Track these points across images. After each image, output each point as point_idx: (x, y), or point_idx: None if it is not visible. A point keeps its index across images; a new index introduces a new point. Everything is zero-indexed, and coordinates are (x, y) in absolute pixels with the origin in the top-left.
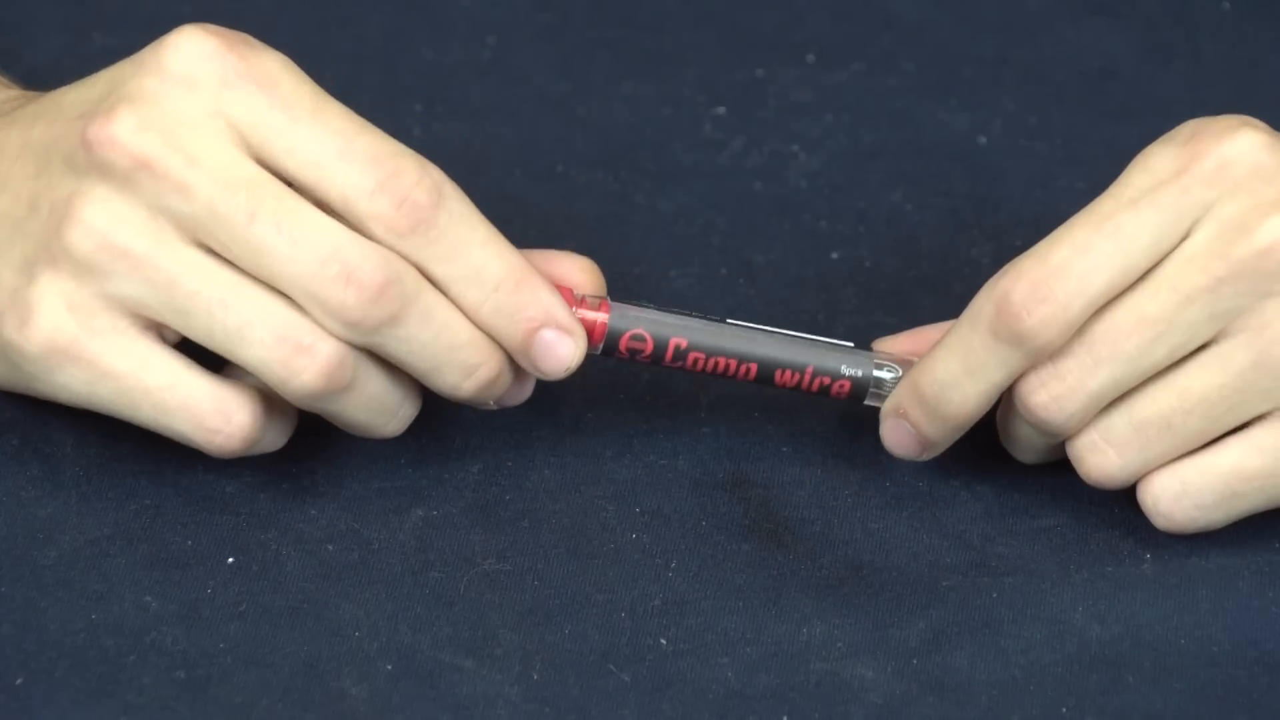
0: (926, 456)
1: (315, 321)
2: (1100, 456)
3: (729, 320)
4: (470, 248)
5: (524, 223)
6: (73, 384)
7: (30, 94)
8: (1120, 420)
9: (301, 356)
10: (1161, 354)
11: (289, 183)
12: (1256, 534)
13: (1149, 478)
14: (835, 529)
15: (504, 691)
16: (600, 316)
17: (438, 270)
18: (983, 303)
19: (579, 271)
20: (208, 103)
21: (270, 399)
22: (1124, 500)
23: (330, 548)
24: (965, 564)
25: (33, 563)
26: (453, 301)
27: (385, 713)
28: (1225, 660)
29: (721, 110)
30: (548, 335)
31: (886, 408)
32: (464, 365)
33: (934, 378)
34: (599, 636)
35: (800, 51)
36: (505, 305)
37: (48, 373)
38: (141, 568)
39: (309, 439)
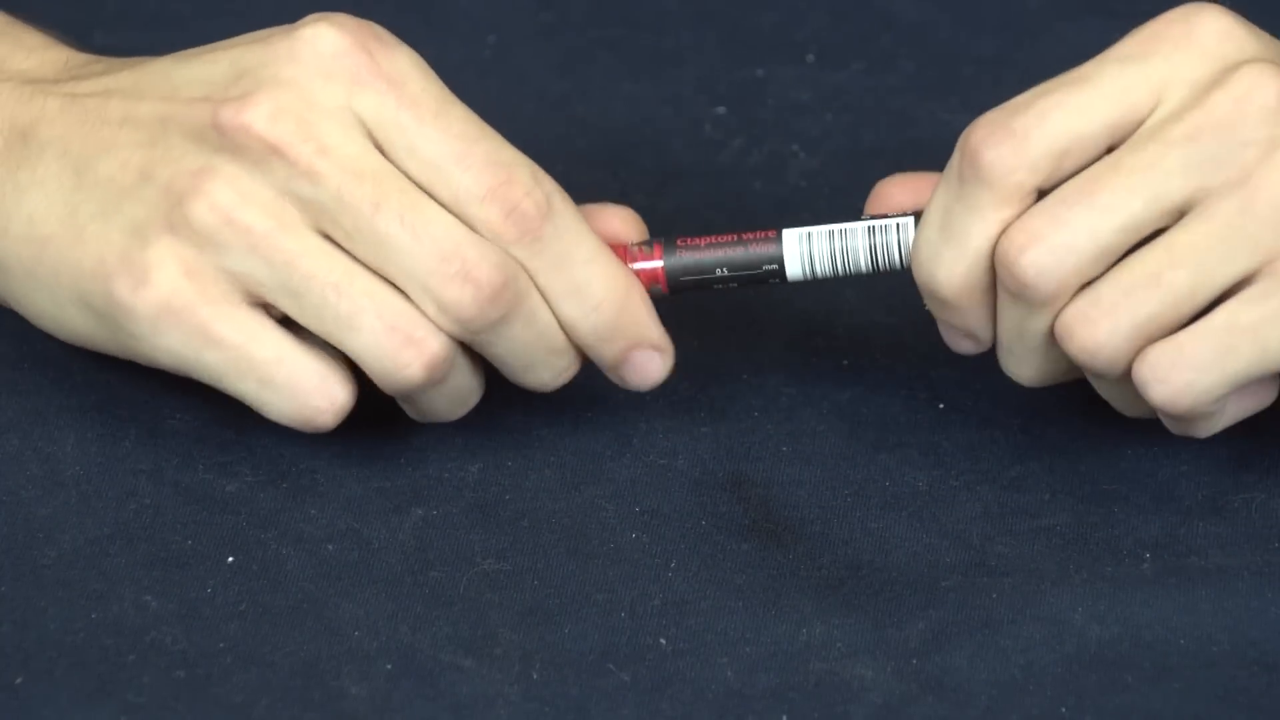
0: (972, 348)
1: (426, 316)
2: (1089, 326)
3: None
4: (574, 264)
5: None
6: (179, 348)
7: (101, 59)
8: (1107, 285)
9: (410, 349)
10: (1138, 206)
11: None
12: (1255, 534)
13: (1144, 351)
14: (835, 529)
15: (504, 691)
16: (656, 264)
17: (540, 280)
18: (952, 157)
19: (621, 222)
20: (339, 96)
21: (358, 380)
22: (1124, 500)
23: (330, 547)
24: (965, 564)
25: (33, 562)
26: (552, 310)
27: (385, 712)
28: (1224, 660)
29: (721, 110)
30: (639, 357)
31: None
32: (555, 367)
33: (924, 246)
34: (599, 636)
35: (800, 51)
36: (603, 326)
37: (154, 334)
38: (141, 567)
39: (309, 438)
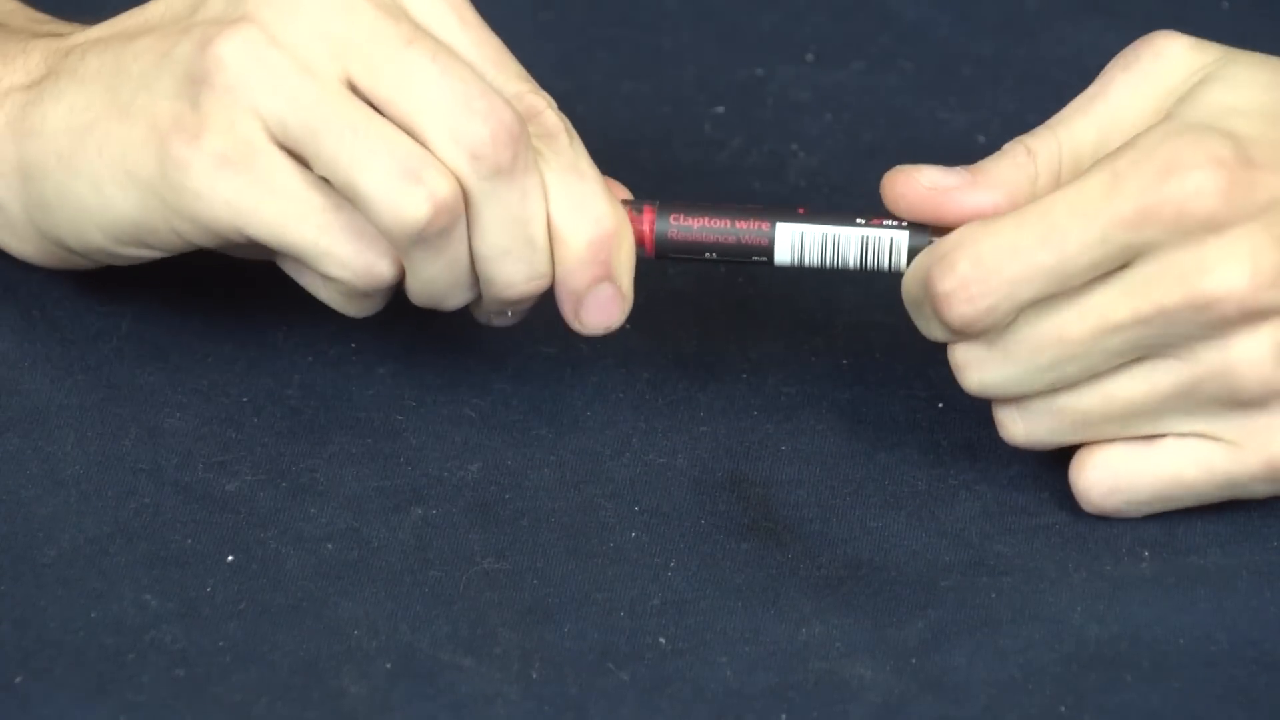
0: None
1: (439, 160)
2: (1011, 425)
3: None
4: (585, 177)
5: None
6: (238, 198)
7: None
8: (1040, 404)
9: (418, 186)
10: (1071, 373)
11: None
12: (1255, 533)
13: (1082, 463)
14: (834, 528)
15: (503, 690)
16: (643, 229)
17: (550, 177)
18: (918, 275)
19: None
20: None
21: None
22: None
23: (330, 546)
24: (964, 562)
25: (32, 561)
26: (549, 211)
27: (384, 711)
28: (1223, 659)
29: (721, 109)
30: (606, 292)
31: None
32: (529, 267)
33: (906, 296)
34: (598, 635)
35: (799, 50)
36: (593, 242)
37: (213, 188)
38: (141, 566)
39: (309, 438)
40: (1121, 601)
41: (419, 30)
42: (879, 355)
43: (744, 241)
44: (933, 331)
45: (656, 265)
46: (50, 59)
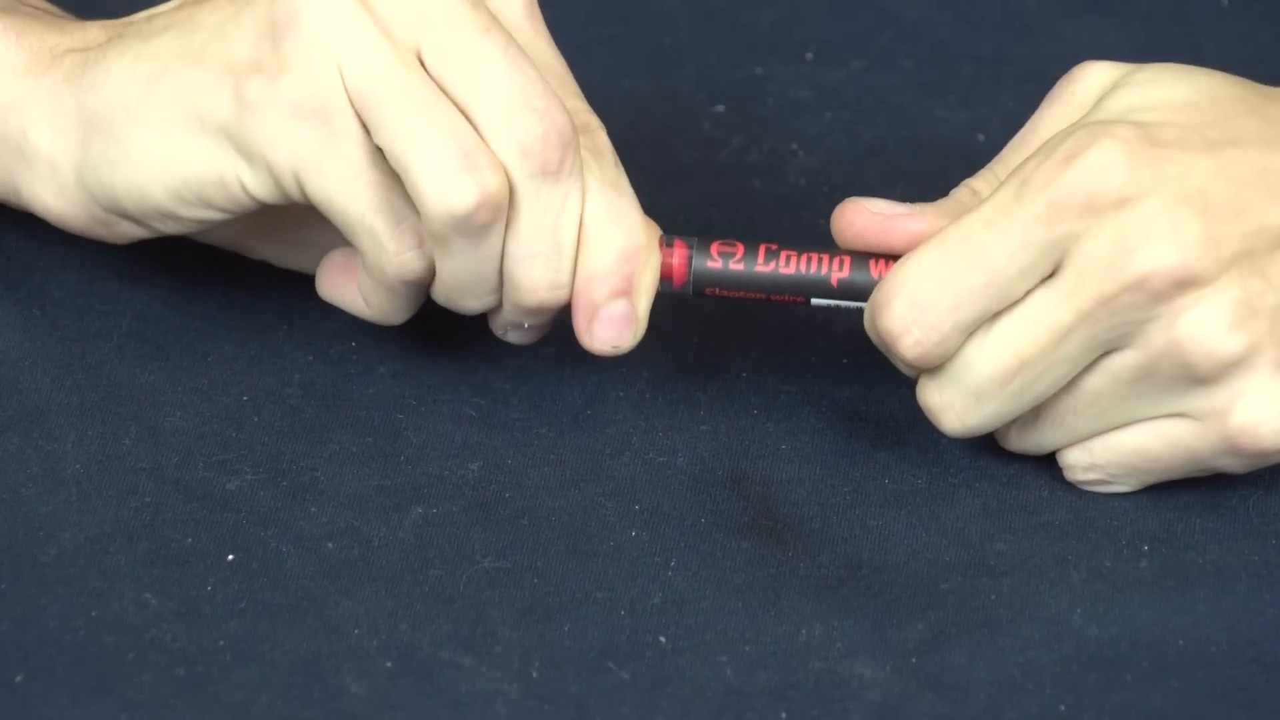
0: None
1: (493, 155)
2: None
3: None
4: (623, 193)
5: None
6: (304, 153)
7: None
8: (1026, 423)
9: (470, 173)
10: (1042, 389)
11: None
12: (1254, 534)
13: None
14: (834, 526)
15: (503, 689)
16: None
17: (591, 186)
18: (868, 323)
19: None
20: None
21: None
22: (1122, 497)
23: (330, 545)
24: (964, 562)
25: (33, 560)
26: (583, 218)
27: (385, 710)
28: (1222, 660)
29: (721, 108)
30: (620, 310)
31: None
32: (553, 274)
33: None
34: (598, 634)
35: (799, 49)
36: (618, 256)
37: (285, 134)
38: (141, 565)
39: (310, 437)
40: (1121, 602)
41: (496, 21)
42: (879, 354)
43: (773, 301)
44: (902, 368)
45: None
46: (110, 29)
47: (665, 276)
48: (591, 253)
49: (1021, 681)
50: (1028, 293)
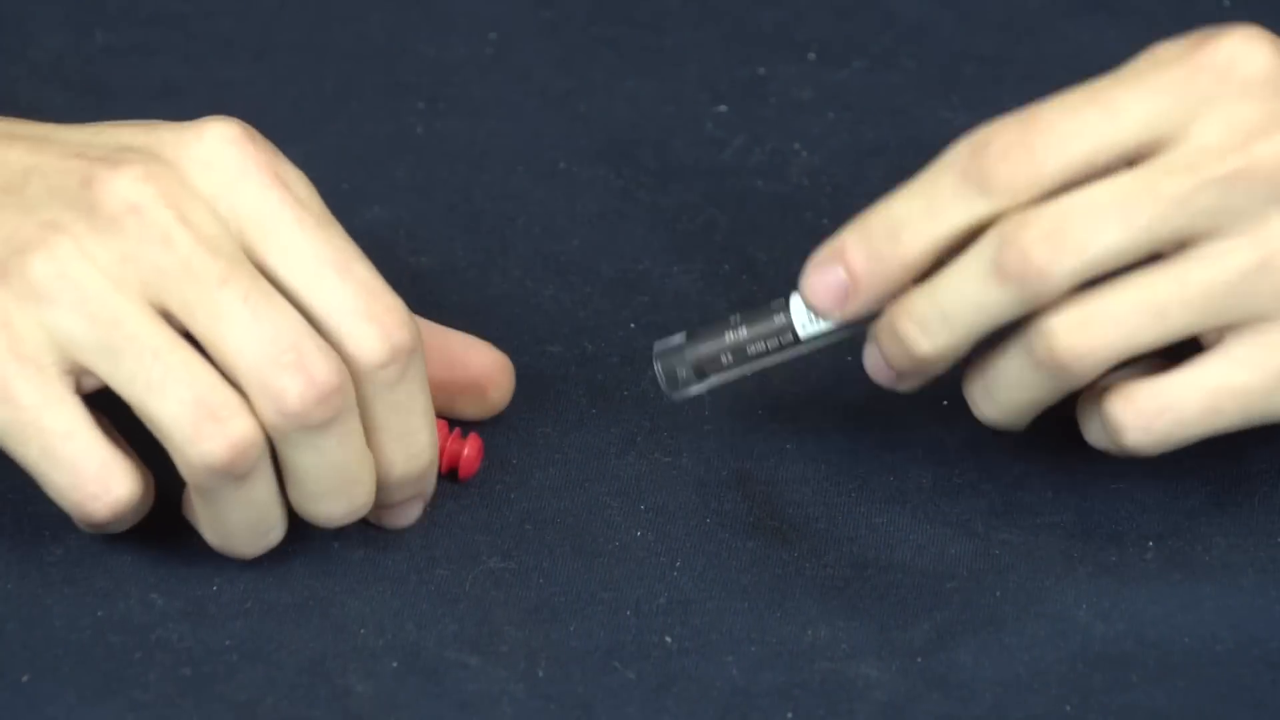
0: (849, 312)
1: (242, 400)
2: (1078, 336)
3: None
4: (415, 410)
5: (526, 220)
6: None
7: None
8: (1108, 302)
9: (213, 424)
10: (1163, 232)
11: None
12: (1260, 531)
13: (1124, 393)
14: (839, 526)
15: (509, 689)
16: (468, 450)
17: (378, 410)
18: (959, 147)
19: (489, 363)
20: (217, 185)
21: (148, 485)
22: (1127, 497)
23: (336, 545)
24: (969, 562)
25: (39, 559)
26: (371, 444)
27: (390, 709)
28: (1229, 658)
29: (723, 108)
30: (415, 505)
31: (822, 253)
32: (351, 500)
33: (889, 213)
34: (604, 634)
35: (801, 49)
36: (413, 474)
37: None
38: (148, 565)
39: None
40: (1127, 600)
41: (237, 266)
42: None
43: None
44: (971, 208)
45: (660, 263)
46: None
47: (452, 466)
48: (390, 478)
49: (1028, 681)
50: (1154, 153)
